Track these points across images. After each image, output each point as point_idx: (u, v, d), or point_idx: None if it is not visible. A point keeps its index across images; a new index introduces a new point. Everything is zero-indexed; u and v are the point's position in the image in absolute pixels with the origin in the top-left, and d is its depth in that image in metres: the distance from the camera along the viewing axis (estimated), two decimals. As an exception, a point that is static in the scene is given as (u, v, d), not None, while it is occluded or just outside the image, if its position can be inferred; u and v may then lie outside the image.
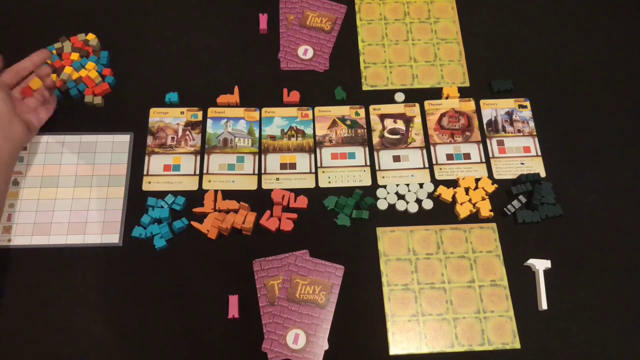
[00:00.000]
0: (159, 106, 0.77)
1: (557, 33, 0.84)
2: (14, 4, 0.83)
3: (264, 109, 0.77)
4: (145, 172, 0.73)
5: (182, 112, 0.76)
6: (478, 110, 0.78)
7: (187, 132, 0.75)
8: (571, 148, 0.76)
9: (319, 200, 0.71)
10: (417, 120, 0.77)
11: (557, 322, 0.65)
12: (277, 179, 0.73)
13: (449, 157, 0.75)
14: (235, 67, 0.80)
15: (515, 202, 0.70)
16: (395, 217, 0.71)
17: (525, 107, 0.78)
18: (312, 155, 0.74)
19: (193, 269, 0.67)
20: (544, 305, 0.65)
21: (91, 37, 0.79)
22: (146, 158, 0.73)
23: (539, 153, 0.75)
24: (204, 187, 0.72)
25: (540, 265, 0.67)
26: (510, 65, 0.81)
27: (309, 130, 0.76)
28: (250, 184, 0.72)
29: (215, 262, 0.68)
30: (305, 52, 0.81)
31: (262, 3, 0.84)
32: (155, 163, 0.73)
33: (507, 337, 0.64)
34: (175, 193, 0.71)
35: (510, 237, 0.70)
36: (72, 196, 0.71)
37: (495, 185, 0.72)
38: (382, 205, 0.71)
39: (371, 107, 0.78)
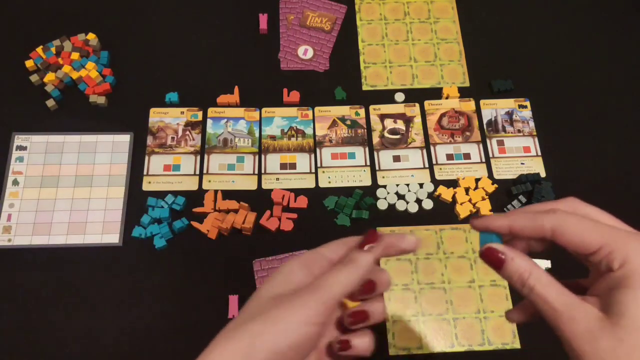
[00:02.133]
0: (159, 106, 0.77)
1: (557, 33, 0.84)
2: (14, 3, 0.83)
3: (264, 109, 0.77)
4: (145, 172, 0.73)
5: (182, 112, 0.76)
6: (478, 110, 0.78)
7: (187, 132, 0.75)
8: (571, 148, 0.76)
9: (319, 200, 0.71)
10: (417, 120, 0.77)
11: (557, 322, 0.65)
12: (277, 179, 0.73)
13: (449, 157, 0.75)
14: (235, 67, 0.80)
15: (515, 202, 0.70)
16: (395, 217, 0.71)
17: (525, 107, 0.78)
18: (312, 155, 0.74)
19: (193, 269, 0.67)
20: (544, 305, 0.65)
21: (91, 37, 0.79)
22: (146, 158, 0.73)
23: (539, 153, 0.75)
24: (204, 187, 0.72)
25: (540, 265, 0.67)
26: (510, 65, 0.81)
27: (309, 130, 0.76)
28: (250, 184, 0.72)
29: (215, 262, 0.68)
30: (305, 52, 0.81)
31: (262, 3, 0.84)
32: (155, 163, 0.73)
33: (507, 337, 0.64)
34: (175, 193, 0.71)
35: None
36: (72, 196, 0.71)
37: (495, 185, 0.72)
38: (382, 205, 0.71)
39: (371, 107, 0.78)
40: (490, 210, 0.70)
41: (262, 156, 0.74)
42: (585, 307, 0.33)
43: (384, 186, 0.72)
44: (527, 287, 0.36)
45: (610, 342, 0.31)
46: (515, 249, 0.37)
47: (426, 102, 0.78)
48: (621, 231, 0.35)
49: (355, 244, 0.39)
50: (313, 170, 0.73)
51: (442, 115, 0.77)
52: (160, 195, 0.71)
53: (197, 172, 0.73)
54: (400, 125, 0.76)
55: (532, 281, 0.35)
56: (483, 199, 0.71)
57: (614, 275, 0.34)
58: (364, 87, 0.79)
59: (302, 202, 0.70)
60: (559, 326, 0.34)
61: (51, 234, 0.69)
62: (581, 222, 0.35)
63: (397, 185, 0.72)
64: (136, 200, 0.71)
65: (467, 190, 0.72)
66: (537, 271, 0.36)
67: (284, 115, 0.77)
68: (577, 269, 0.70)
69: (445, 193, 0.71)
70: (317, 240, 0.68)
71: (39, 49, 0.78)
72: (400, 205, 0.71)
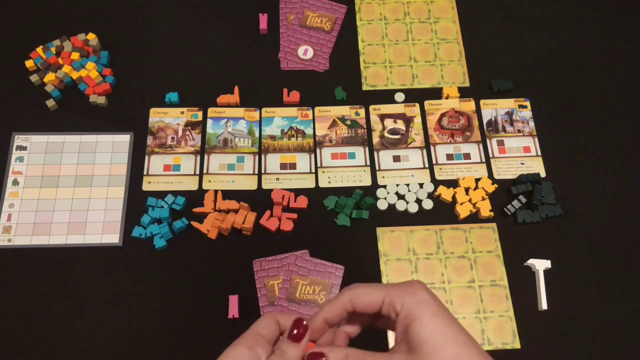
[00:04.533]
0: (159, 106, 0.77)
1: (557, 33, 0.84)
2: (14, 3, 0.83)
3: (264, 109, 0.77)
4: (145, 172, 0.73)
5: (182, 112, 0.76)
6: (478, 110, 0.78)
7: (187, 132, 0.75)
8: (571, 148, 0.76)
9: (319, 200, 0.71)
10: (417, 120, 0.77)
11: (557, 322, 0.65)
12: (277, 179, 0.73)
13: (449, 157, 0.75)
14: (235, 67, 0.80)
15: (515, 202, 0.70)
16: (395, 217, 0.71)
17: (525, 107, 0.78)
18: (312, 155, 0.74)
19: (193, 269, 0.67)
20: (544, 305, 0.65)
21: (91, 37, 0.79)
22: (146, 158, 0.73)
23: (539, 153, 0.75)
24: (204, 187, 0.72)
25: (540, 265, 0.67)
26: (510, 65, 0.81)
27: (309, 130, 0.76)
28: (250, 184, 0.72)
29: (215, 262, 0.68)
30: (305, 52, 0.81)
31: (262, 3, 0.84)
32: (155, 163, 0.73)
33: (507, 337, 0.64)
34: (175, 193, 0.71)
35: (510, 237, 0.70)
36: (72, 196, 0.71)
37: (495, 185, 0.72)
38: (382, 205, 0.71)
39: (371, 107, 0.78)
40: (490, 210, 0.70)
41: (262, 156, 0.74)
42: (393, 358, 0.38)
43: (384, 186, 0.72)
44: None
45: None
46: (340, 338, 0.44)
47: (426, 102, 0.78)
48: (396, 284, 0.40)
49: (284, 322, 0.42)
50: (313, 170, 0.73)
51: (442, 115, 0.77)
52: (160, 195, 0.71)
53: (197, 172, 0.73)
54: (400, 125, 0.76)
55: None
56: (483, 199, 0.71)
57: (401, 317, 0.39)
58: (364, 87, 0.79)
59: (302, 202, 0.70)
60: None
61: (51, 234, 0.69)
62: (367, 286, 0.41)
63: (397, 185, 0.72)
64: (136, 200, 0.71)
65: (467, 190, 0.72)
66: (351, 352, 0.40)
67: (284, 115, 0.77)
68: (577, 269, 0.71)
69: (445, 193, 0.71)
70: (317, 240, 0.69)
71: (39, 49, 0.78)
72: (400, 205, 0.71)
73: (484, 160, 0.75)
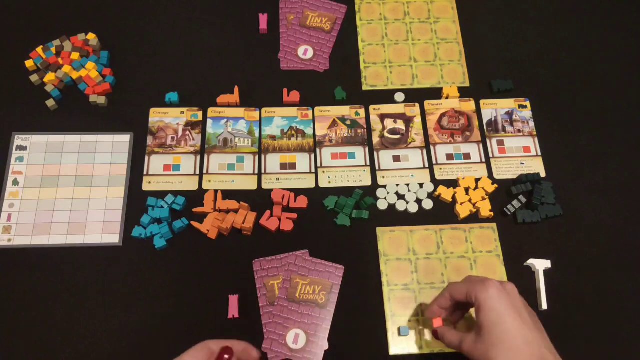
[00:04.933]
0: (159, 106, 0.77)
1: (557, 33, 0.84)
2: (14, 3, 0.83)
3: (264, 109, 0.77)
4: (145, 172, 0.73)
5: (182, 112, 0.76)
6: (478, 110, 0.78)
7: (187, 132, 0.75)
8: (571, 148, 0.76)
9: (319, 200, 0.71)
10: (417, 120, 0.77)
11: (557, 322, 0.65)
12: (277, 179, 0.73)
13: (449, 157, 0.75)
14: (235, 67, 0.80)
15: (515, 202, 0.70)
16: (395, 217, 0.71)
17: (525, 107, 0.78)
18: (312, 155, 0.74)
19: (193, 269, 0.67)
20: (544, 305, 0.65)
21: (91, 37, 0.79)
22: (146, 158, 0.73)
23: (539, 153, 0.75)
24: (204, 187, 0.72)
25: (540, 265, 0.67)
26: (510, 65, 0.81)
27: (309, 130, 0.76)
28: (250, 184, 0.72)
29: (215, 262, 0.68)
30: (305, 52, 0.81)
31: (262, 3, 0.84)
32: (155, 163, 0.73)
33: (507, 337, 0.64)
34: (175, 193, 0.71)
35: (510, 237, 0.70)
36: (72, 196, 0.71)
37: (495, 185, 0.72)
38: (382, 205, 0.71)
39: (371, 107, 0.78)
40: (490, 210, 0.70)
41: (262, 156, 0.74)
42: (468, 335, 0.54)
43: (384, 186, 0.72)
44: (443, 340, 0.58)
45: (480, 346, 0.52)
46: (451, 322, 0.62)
47: (426, 102, 0.78)
48: (477, 281, 0.55)
49: (216, 349, 0.52)
50: (313, 170, 0.73)
51: (442, 115, 0.77)
52: (160, 195, 0.71)
53: (197, 172, 0.73)
54: (400, 125, 0.76)
55: (447, 338, 0.58)
56: (483, 199, 0.71)
57: (475, 306, 0.54)
58: (364, 87, 0.79)
59: (302, 202, 0.70)
60: (461, 349, 0.55)
61: (51, 234, 0.69)
62: (459, 283, 0.57)
63: (397, 185, 0.72)
64: (136, 200, 0.71)
65: (467, 190, 0.72)
66: (447, 331, 0.58)
67: (284, 115, 0.77)
68: (577, 269, 0.71)
69: (445, 193, 0.71)
70: (317, 240, 0.69)
71: (39, 49, 0.78)
72: (400, 205, 0.71)
73: (484, 160, 0.75)
